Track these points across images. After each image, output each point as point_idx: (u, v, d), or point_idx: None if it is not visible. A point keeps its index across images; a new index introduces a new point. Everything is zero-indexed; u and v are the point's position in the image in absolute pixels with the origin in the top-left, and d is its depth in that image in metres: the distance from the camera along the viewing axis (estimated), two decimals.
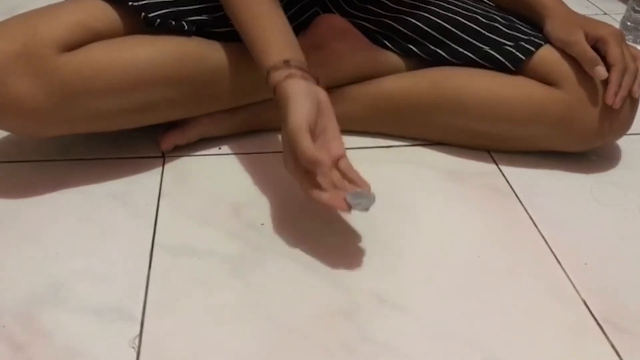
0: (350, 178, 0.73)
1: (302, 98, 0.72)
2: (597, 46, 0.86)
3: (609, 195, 0.88)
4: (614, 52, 0.84)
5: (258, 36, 0.78)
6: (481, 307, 0.70)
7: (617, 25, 1.30)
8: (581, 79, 0.86)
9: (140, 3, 0.83)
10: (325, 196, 0.71)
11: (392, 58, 0.96)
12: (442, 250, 0.77)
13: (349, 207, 0.70)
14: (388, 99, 0.94)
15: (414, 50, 0.94)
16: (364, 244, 0.77)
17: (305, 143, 0.69)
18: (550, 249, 0.78)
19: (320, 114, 0.73)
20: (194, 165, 0.91)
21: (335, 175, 0.73)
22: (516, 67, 0.89)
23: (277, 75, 0.74)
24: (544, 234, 0.80)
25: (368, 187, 0.72)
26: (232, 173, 0.89)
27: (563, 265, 0.76)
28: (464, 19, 0.93)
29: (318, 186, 0.71)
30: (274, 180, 0.87)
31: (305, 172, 0.71)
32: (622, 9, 1.47)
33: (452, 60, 0.92)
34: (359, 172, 0.74)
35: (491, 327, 0.67)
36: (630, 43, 0.93)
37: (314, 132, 0.72)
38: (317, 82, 0.76)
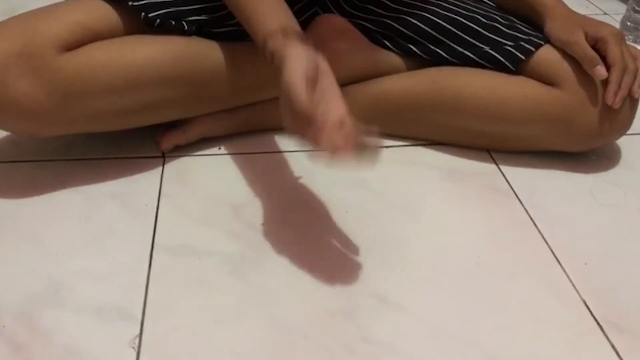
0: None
1: (301, 56, 0.68)
2: (597, 46, 0.86)
3: (609, 195, 0.88)
4: (613, 52, 0.84)
5: (254, 9, 0.76)
6: (481, 307, 0.70)
7: (617, 25, 1.30)
8: (581, 79, 0.86)
9: (140, 3, 0.83)
10: (329, 144, 0.64)
11: (392, 58, 0.96)
12: (442, 250, 0.77)
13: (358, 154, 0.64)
14: (388, 99, 0.94)
15: (414, 50, 0.94)
16: (364, 244, 0.77)
17: (300, 95, 0.65)
18: (550, 249, 0.78)
19: (320, 76, 0.69)
20: (194, 165, 0.91)
21: (339, 137, 0.66)
22: (516, 67, 0.89)
23: (275, 41, 0.71)
24: (544, 234, 0.80)
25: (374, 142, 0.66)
26: (232, 173, 0.89)
27: (563, 265, 0.76)
28: (464, 19, 0.93)
29: (319, 140, 0.65)
30: (274, 180, 0.87)
31: (305, 127, 0.66)
32: (622, 9, 1.47)
33: (452, 60, 0.92)
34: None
35: (491, 327, 0.67)
36: (630, 43, 0.93)
37: (312, 91, 0.67)
38: (316, 51, 0.72)
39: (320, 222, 0.80)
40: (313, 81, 0.67)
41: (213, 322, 0.67)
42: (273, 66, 0.71)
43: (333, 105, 0.67)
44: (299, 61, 0.67)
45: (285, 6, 0.77)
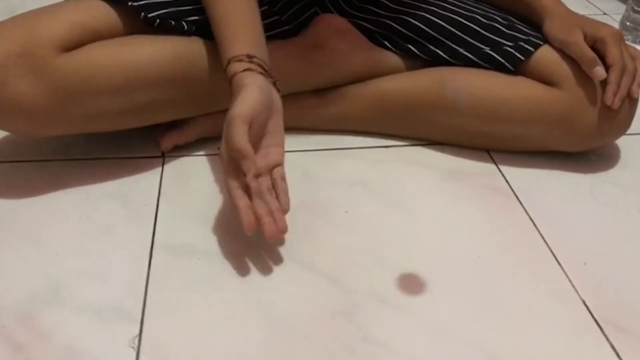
0: (277, 189, 0.72)
1: (256, 91, 0.70)
2: (596, 46, 0.86)
3: (609, 195, 0.88)
4: (612, 52, 0.84)
5: (226, 29, 0.77)
6: (481, 307, 0.70)
7: (616, 26, 1.30)
8: (580, 79, 0.86)
9: (140, 3, 0.83)
10: (242, 202, 0.69)
11: (392, 58, 0.96)
12: (441, 250, 0.77)
13: (254, 229, 0.68)
14: (388, 99, 0.94)
15: (413, 51, 0.94)
16: (364, 243, 0.77)
17: (239, 132, 0.67)
18: (550, 249, 0.78)
19: (270, 114, 0.72)
20: (194, 165, 0.91)
21: (266, 182, 0.71)
22: (515, 67, 0.89)
23: (238, 66, 0.73)
24: (543, 234, 0.80)
25: (285, 209, 0.71)
26: None
27: (563, 265, 0.76)
28: (463, 19, 0.93)
29: (244, 185, 0.69)
30: None
31: (236, 165, 0.69)
32: (621, 9, 1.47)
33: (452, 60, 0.93)
34: (288, 187, 0.73)
35: (491, 327, 0.68)
36: (629, 43, 0.93)
37: (255, 128, 0.70)
38: (276, 87, 0.75)
39: (320, 222, 0.80)
40: (261, 119, 0.70)
41: (213, 322, 0.67)
42: (230, 90, 0.73)
43: (274, 150, 0.72)
44: (252, 98, 0.69)
45: (259, 28, 0.78)
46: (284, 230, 0.69)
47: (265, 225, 0.68)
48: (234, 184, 0.70)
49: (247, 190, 0.69)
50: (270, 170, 0.72)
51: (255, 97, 0.70)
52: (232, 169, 0.70)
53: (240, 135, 0.67)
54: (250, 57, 0.74)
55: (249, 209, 0.69)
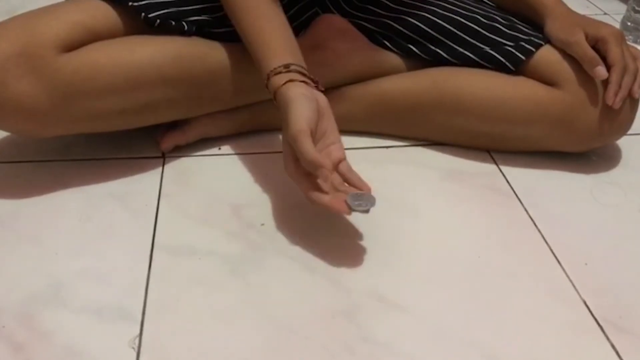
0: (351, 181, 0.73)
1: (303, 102, 0.72)
2: (597, 46, 0.86)
3: (609, 195, 0.88)
4: (614, 52, 0.84)
5: (258, 40, 0.79)
6: (481, 307, 0.70)
7: (617, 26, 1.30)
8: (581, 79, 0.86)
9: (140, 3, 0.83)
10: (326, 199, 0.71)
11: (392, 58, 0.96)
12: (442, 250, 0.77)
13: (350, 209, 0.70)
14: (388, 99, 0.94)
15: (414, 50, 0.94)
16: (364, 243, 0.77)
17: (307, 146, 0.69)
18: (550, 249, 0.78)
19: (320, 117, 0.73)
20: (194, 165, 0.91)
21: (336, 178, 0.74)
22: (516, 67, 0.89)
23: (278, 80, 0.75)
24: (544, 234, 0.80)
25: (369, 189, 0.73)
26: (232, 173, 0.89)
27: (563, 265, 0.76)
28: (464, 19, 0.93)
29: (318, 189, 0.72)
30: (274, 180, 0.87)
31: (306, 174, 0.72)
32: (622, 9, 1.47)
33: (452, 60, 0.92)
34: (359, 174, 0.74)
35: (491, 327, 0.67)
36: (630, 43, 0.93)
37: (315, 136, 0.72)
38: (317, 86, 0.76)
39: (320, 222, 0.80)
40: (315, 125, 0.72)
41: (213, 322, 0.67)
42: (276, 103, 0.75)
43: (334, 147, 0.74)
44: (304, 111, 0.71)
45: (289, 34, 0.80)
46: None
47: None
48: (316, 194, 0.71)
49: (319, 189, 0.72)
50: (336, 166, 0.74)
51: (305, 108, 0.71)
52: (307, 182, 0.72)
53: (310, 149, 0.69)
54: (287, 67, 0.75)
55: (337, 198, 0.71)
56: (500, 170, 0.92)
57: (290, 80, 0.74)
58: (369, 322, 0.67)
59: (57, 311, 0.67)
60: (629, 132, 0.90)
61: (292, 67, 0.75)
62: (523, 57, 0.89)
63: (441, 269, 0.75)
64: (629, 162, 0.95)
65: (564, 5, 0.92)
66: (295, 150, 0.70)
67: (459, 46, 0.92)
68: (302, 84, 0.74)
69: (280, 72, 0.75)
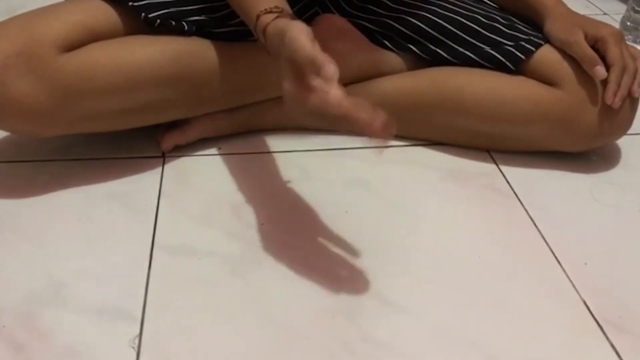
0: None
1: (301, 23, 0.64)
2: (597, 46, 0.86)
3: (609, 195, 0.88)
4: (613, 52, 0.84)
5: None
6: (481, 307, 0.70)
7: (616, 26, 1.30)
8: (581, 79, 0.86)
9: (141, 3, 0.83)
10: (346, 101, 0.58)
11: (392, 58, 0.96)
12: (442, 250, 0.77)
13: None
14: (388, 99, 0.94)
15: (414, 50, 0.94)
16: (364, 243, 0.77)
17: (306, 42, 0.61)
18: (550, 249, 0.78)
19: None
20: (194, 165, 0.91)
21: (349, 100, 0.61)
22: (516, 66, 0.89)
23: (268, 17, 0.68)
24: (544, 234, 0.80)
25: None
26: (232, 173, 0.89)
27: (563, 265, 0.76)
28: (464, 18, 0.93)
29: (328, 99, 0.59)
30: (274, 180, 0.87)
31: (309, 90, 0.60)
32: (621, 9, 1.47)
33: (452, 60, 0.92)
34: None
35: (491, 327, 0.67)
36: (630, 43, 0.93)
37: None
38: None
39: (320, 222, 0.80)
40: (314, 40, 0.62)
41: (213, 322, 0.67)
42: (266, 43, 0.68)
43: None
44: (301, 25, 0.63)
45: None
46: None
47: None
48: (331, 97, 0.59)
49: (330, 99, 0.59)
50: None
51: (304, 25, 0.64)
52: (314, 95, 0.60)
53: (307, 44, 0.60)
54: (278, 8, 0.69)
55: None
56: (500, 170, 0.92)
57: (282, 16, 0.68)
58: (369, 322, 0.67)
59: (57, 311, 0.67)
60: (629, 132, 0.90)
61: (284, 9, 0.69)
62: (523, 57, 0.89)
63: (441, 269, 0.75)
64: (629, 162, 0.95)
65: (564, 5, 0.92)
66: (295, 55, 0.61)
67: (459, 46, 0.92)
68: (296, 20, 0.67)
69: (270, 12, 0.69)
